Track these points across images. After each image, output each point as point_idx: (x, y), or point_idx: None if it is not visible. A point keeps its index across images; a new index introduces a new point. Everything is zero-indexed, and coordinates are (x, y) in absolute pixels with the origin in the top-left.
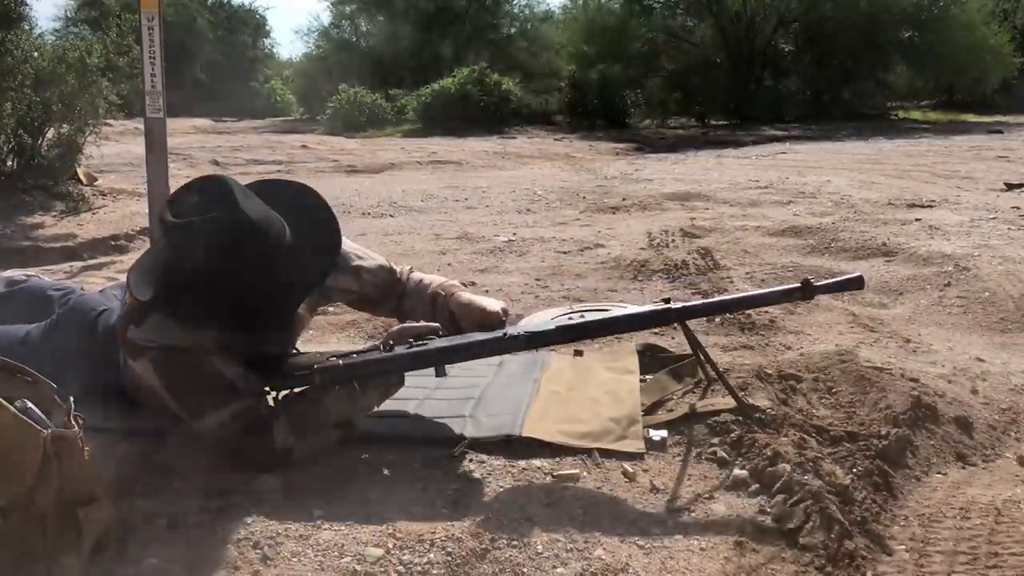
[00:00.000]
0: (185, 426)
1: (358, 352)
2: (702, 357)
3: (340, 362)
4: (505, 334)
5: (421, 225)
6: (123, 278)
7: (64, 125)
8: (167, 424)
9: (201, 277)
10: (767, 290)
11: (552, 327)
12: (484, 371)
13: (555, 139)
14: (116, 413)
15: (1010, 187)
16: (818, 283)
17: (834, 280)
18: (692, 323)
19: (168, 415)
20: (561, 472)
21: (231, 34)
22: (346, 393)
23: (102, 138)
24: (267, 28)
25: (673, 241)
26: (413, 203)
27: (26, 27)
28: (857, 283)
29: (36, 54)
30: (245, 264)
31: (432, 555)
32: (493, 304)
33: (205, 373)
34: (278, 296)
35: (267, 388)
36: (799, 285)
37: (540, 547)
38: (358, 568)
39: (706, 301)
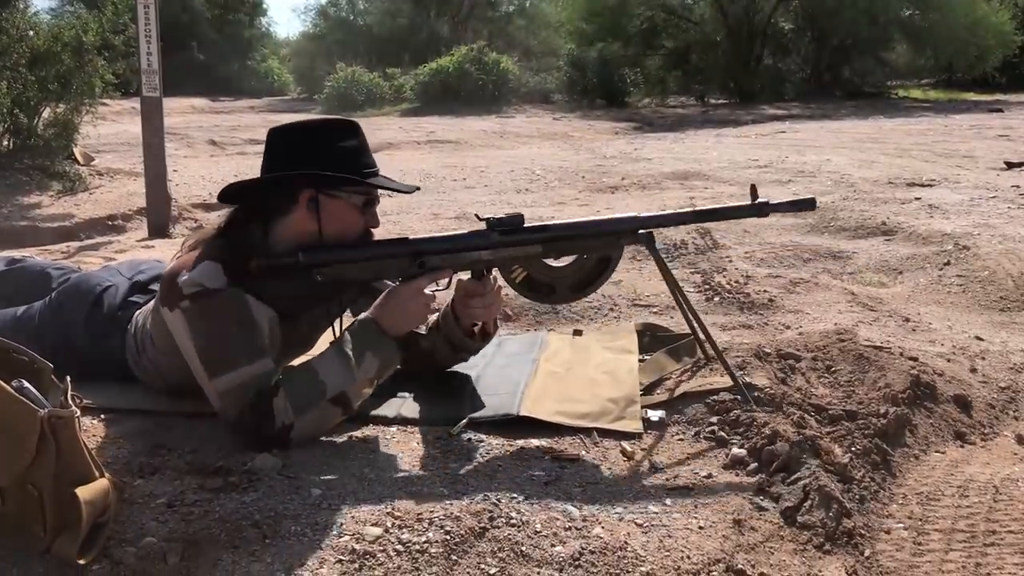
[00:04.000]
0: (185, 404)
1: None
2: (700, 334)
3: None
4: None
5: (419, 204)
6: (123, 257)
7: (60, 104)
8: (166, 403)
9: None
10: (727, 205)
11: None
12: (483, 351)
13: (554, 118)
14: (116, 391)
15: (1010, 166)
16: (774, 202)
17: (788, 200)
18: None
19: (168, 393)
20: (560, 452)
21: (228, 12)
22: (341, 362)
23: (99, 118)
24: (264, 7)
25: None
26: (411, 182)
27: (21, 5)
28: (809, 204)
29: (32, 33)
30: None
31: (431, 534)
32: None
33: (241, 322)
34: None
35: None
36: (755, 203)
37: (539, 526)
38: (357, 547)
39: (670, 212)
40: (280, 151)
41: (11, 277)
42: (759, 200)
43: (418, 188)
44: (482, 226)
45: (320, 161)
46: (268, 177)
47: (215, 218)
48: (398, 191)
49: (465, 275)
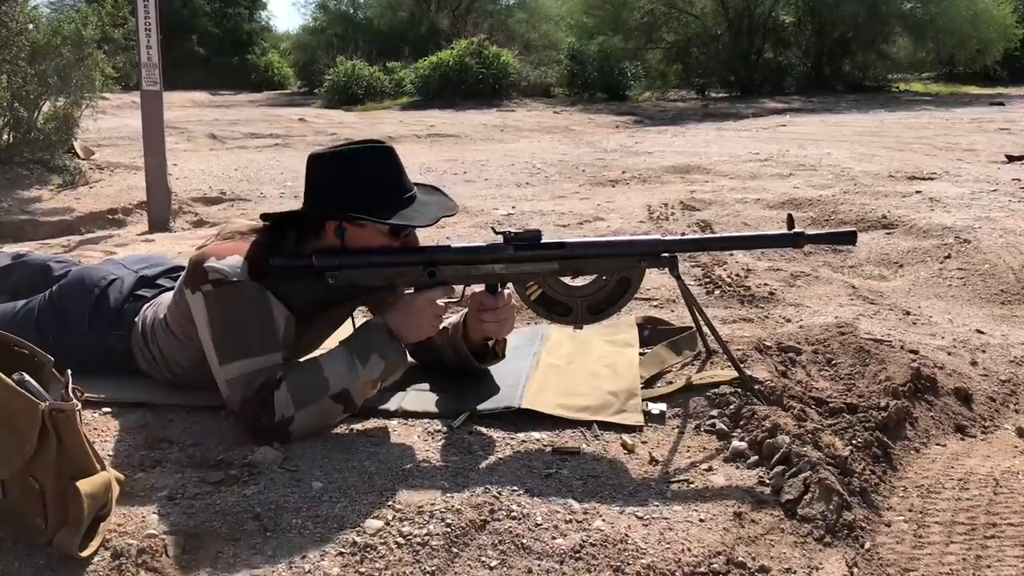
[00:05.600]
0: (186, 397)
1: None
2: (703, 324)
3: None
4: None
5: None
6: (123, 251)
7: (60, 98)
8: (167, 396)
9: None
10: (758, 233)
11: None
12: None
13: (554, 112)
14: (117, 385)
15: (1011, 159)
16: (810, 233)
17: (825, 232)
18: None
19: (171, 385)
20: (560, 444)
21: (227, 6)
22: (347, 361)
23: (99, 112)
24: (264, 0)
25: (673, 214)
26: (411, 177)
27: None
28: (849, 238)
29: (31, 26)
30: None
31: (432, 526)
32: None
33: (259, 313)
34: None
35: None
36: (790, 232)
37: (539, 518)
38: (358, 540)
39: (696, 236)
40: (314, 179)
41: (14, 271)
42: (795, 230)
43: (450, 213)
44: (498, 240)
45: (349, 192)
46: (292, 214)
47: (216, 211)
48: (410, 226)
49: (480, 288)
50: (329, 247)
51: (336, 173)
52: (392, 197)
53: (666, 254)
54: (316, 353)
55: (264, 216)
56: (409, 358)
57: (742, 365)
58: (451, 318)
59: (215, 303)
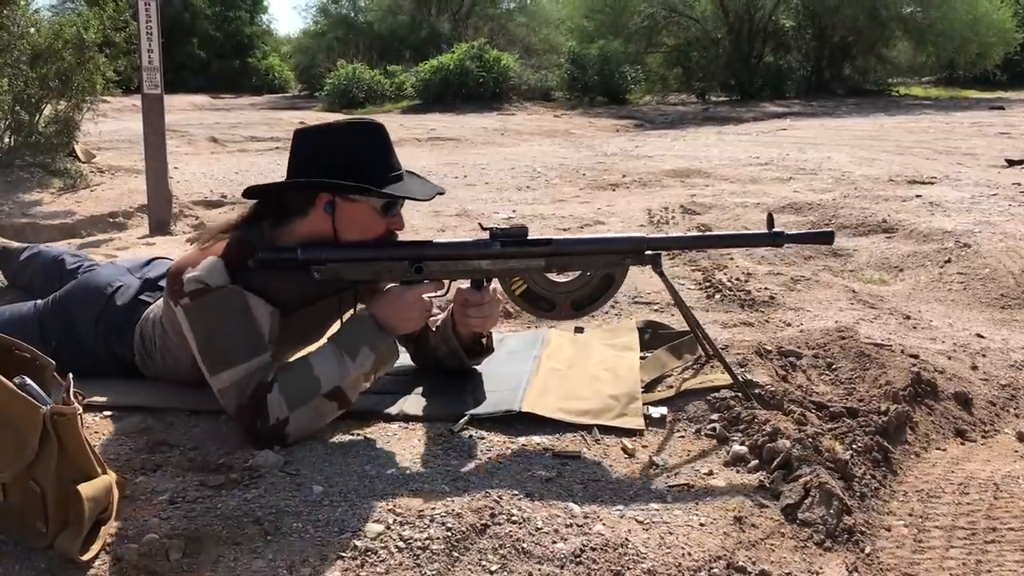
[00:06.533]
0: (187, 401)
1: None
2: (700, 335)
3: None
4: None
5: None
6: (124, 254)
7: (61, 102)
8: (168, 400)
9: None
10: (740, 232)
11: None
12: None
13: (554, 115)
14: (118, 388)
15: (1011, 163)
16: (790, 232)
17: (804, 232)
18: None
19: (170, 390)
20: (561, 448)
21: (228, 10)
22: (336, 357)
23: (100, 115)
24: (265, 4)
25: (673, 218)
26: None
27: (22, 2)
28: (827, 237)
29: (33, 30)
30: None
31: (432, 530)
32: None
33: (239, 319)
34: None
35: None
36: (770, 231)
37: (540, 523)
38: (358, 544)
39: (678, 235)
40: (301, 154)
41: (32, 263)
42: (775, 230)
43: (441, 192)
44: (485, 235)
45: (339, 165)
46: (284, 184)
47: (216, 215)
48: (413, 199)
49: (465, 284)
50: (315, 238)
51: (328, 146)
52: (385, 173)
53: (650, 252)
54: (314, 349)
55: (248, 190)
56: (409, 360)
57: (742, 369)
58: (440, 315)
59: (196, 315)
